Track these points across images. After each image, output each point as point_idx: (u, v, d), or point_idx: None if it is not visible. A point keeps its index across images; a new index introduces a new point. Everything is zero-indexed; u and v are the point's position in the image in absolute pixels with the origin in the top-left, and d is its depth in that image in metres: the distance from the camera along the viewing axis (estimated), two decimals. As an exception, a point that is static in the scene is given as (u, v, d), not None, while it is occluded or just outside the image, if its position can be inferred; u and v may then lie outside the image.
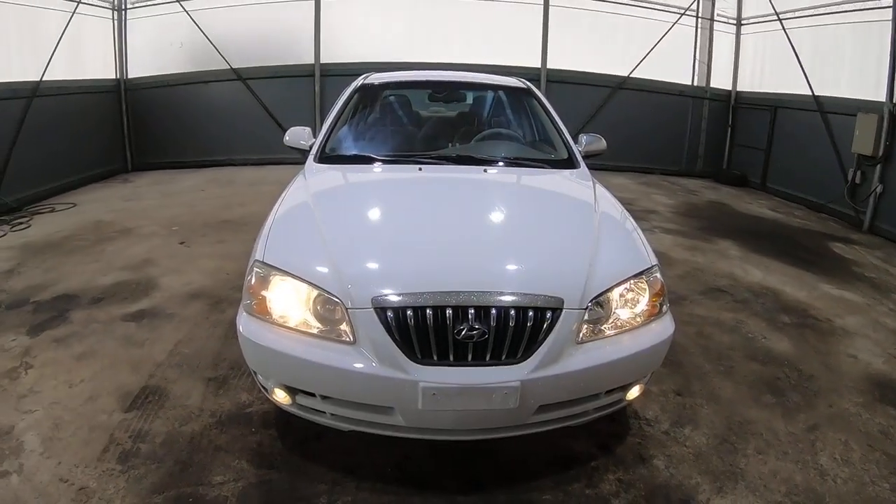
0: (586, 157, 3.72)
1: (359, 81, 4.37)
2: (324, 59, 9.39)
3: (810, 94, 8.01)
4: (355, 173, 3.43)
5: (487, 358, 2.09)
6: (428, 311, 2.06)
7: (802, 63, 8.14)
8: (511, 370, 2.08)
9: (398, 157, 3.55)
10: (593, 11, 9.60)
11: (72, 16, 7.89)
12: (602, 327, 2.27)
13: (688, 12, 9.79)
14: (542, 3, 9.46)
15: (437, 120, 4.63)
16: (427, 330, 2.06)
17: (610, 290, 2.27)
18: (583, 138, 3.93)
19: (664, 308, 2.46)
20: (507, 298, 2.11)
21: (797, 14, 8.20)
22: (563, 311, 2.13)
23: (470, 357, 2.08)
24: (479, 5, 9.39)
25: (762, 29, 9.25)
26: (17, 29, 7.27)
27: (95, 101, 8.64)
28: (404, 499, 2.35)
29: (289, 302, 2.25)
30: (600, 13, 9.62)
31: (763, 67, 9.47)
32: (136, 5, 9.02)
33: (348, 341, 2.13)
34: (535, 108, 4.27)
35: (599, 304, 2.25)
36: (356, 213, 2.82)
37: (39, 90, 7.48)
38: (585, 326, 2.21)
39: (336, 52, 9.41)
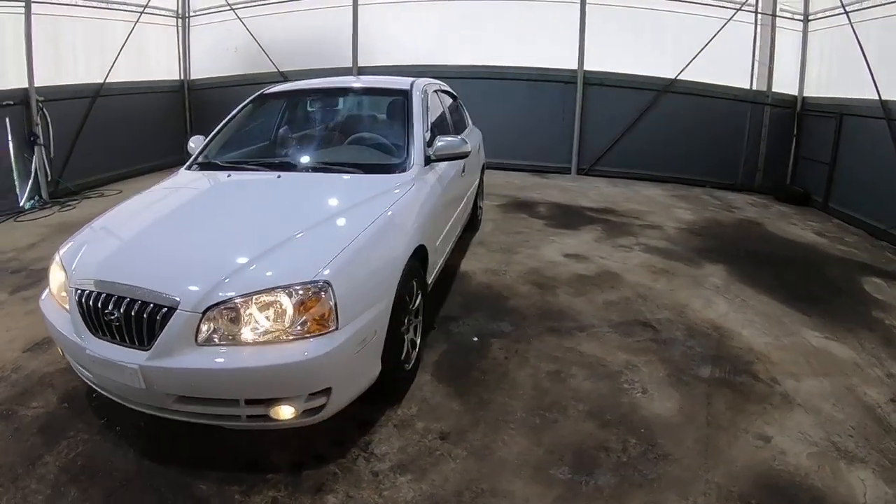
0: (446, 159, 3.63)
1: (257, 94, 4.47)
2: (361, 63, 9.34)
3: (877, 98, 6.46)
4: (184, 178, 3.63)
5: (127, 340, 2.31)
6: (91, 294, 2.41)
7: (869, 62, 6.58)
8: (131, 353, 2.28)
9: (244, 165, 3.69)
10: (636, 8, 8.50)
11: (135, 24, 8.57)
12: (238, 332, 2.23)
13: (745, 7, 8.36)
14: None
15: (316, 127, 4.50)
16: (92, 309, 2.40)
17: (244, 297, 2.23)
18: (436, 142, 3.61)
19: (334, 327, 2.28)
20: (139, 293, 2.30)
21: (865, 4, 6.65)
22: (177, 311, 2.23)
23: (118, 337, 2.34)
24: (514, 5, 8.74)
25: (831, 24, 7.61)
26: (84, 37, 8.01)
27: (160, 100, 9.35)
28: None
29: (56, 283, 2.71)
30: (644, 10, 8.48)
31: (831, 69, 7.79)
32: (198, 13, 9.61)
33: (67, 312, 2.55)
34: (407, 111, 3.91)
35: (231, 309, 2.23)
36: (134, 215, 3.09)
37: (103, 91, 8.22)
38: (207, 328, 2.23)
39: (374, 55, 9.31)
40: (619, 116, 8.65)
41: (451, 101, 5.39)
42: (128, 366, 2.23)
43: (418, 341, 3.26)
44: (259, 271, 2.33)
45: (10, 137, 7.00)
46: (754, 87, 8.62)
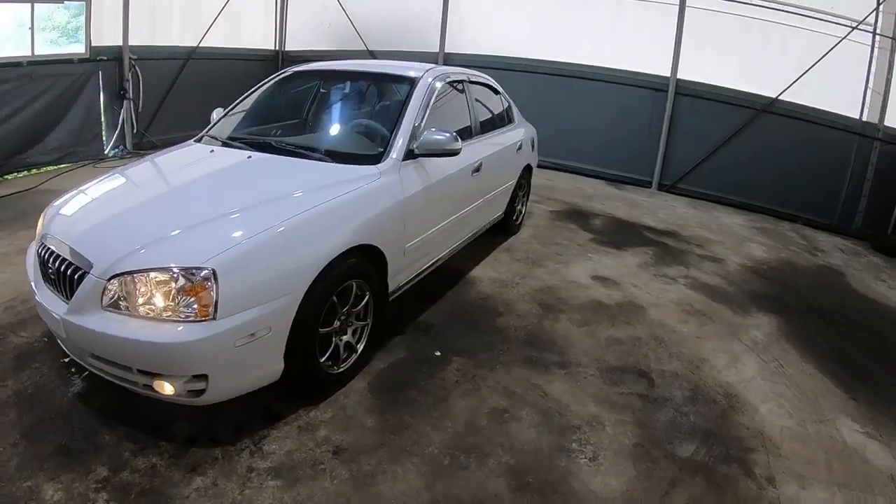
0: (434, 154, 3.39)
1: (276, 74, 4.46)
2: (448, 49, 9.03)
3: None
4: (179, 150, 3.67)
5: (60, 293, 2.52)
6: (42, 249, 2.69)
7: None
8: (60, 305, 2.45)
9: (234, 141, 3.66)
10: (740, 16, 7.36)
11: (231, -8, 8.89)
12: (135, 303, 2.28)
13: (861, 26, 6.92)
14: (678, 2, 7.60)
15: (315, 109, 4.29)
16: (42, 261, 2.67)
17: (141, 272, 2.27)
18: (425, 134, 3.36)
19: (212, 316, 2.23)
20: (70, 253, 2.50)
21: None
22: (88, 274, 2.37)
23: (56, 289, 2.55)
24: (610, 3, 7.95)
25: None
26: (181, 2, 8.44)
27: (253, 68, 9.67)
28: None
29: (37, 234, 2.95)
30: (748, 19, 7.33)
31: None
32: (298, -14, 9.82)
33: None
34: (406, 100, 3.63)
35: (130, 282, 2.29)
36: (115, 182, 3.25)
37: (195, 54, 8.65)
38: (110, 295, 2.31)
39: (461, 42, 8.95)
40: (709, 133, 7.61)
41: (490, 94, 5.02)
42: (54, 315, 2.43)
43: (361, 346, 3.06)
44: (163, 249, 2.36)
45: (101, 90, 7.55)
46: (864, 119, 7.15)
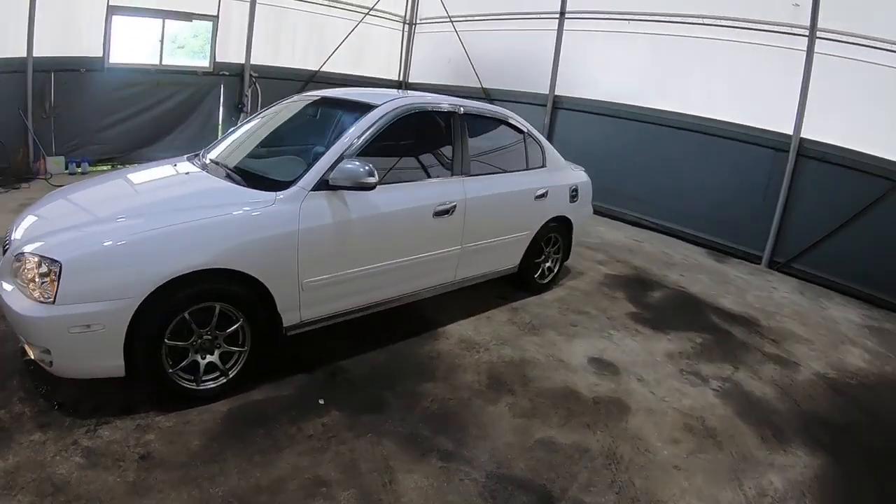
0: (345, 188, 3.13)
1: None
2: (559, 92, 8.44)
3: None
4: (155, 164, 3.96)
5: None
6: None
7: None
8: None
9: (202, 157, 3.83)
10: (879, 66, 5.53)
11: (357, 24, 9.38)
12: (22, 280, 2.60)
13: None
14: (806, 46, 6.00)
15: (278, 133, 4.11)
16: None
17: (28, 255, 2.60)
18: (340, 165, 3.14)
19: (51, 300, 2.49)
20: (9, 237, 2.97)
21: None
22: (6, 251, 2.83)
23: None
24: (726, 46, 6.63)
25: None
26: (306, 29, 9.15)
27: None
28: None
29: None
30: (889, 68, 5.47)
31: None
32: (423, 21, 9.97)
33: None
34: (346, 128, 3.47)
35: (21, 261, 2.63)
36: (90, 186, 3.57)
37: (316, 77, 9.24)
38: (14, 269, 2.65)
39: (572, 86, 8.29)
40: (836, 204, 5.84)
41: (505, 131, 4.45)
42: None
43: (233, 371, 2.98)
44: (49, 241, 2.67)
45: (221, 101, 8.30)
46: None
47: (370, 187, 3.13)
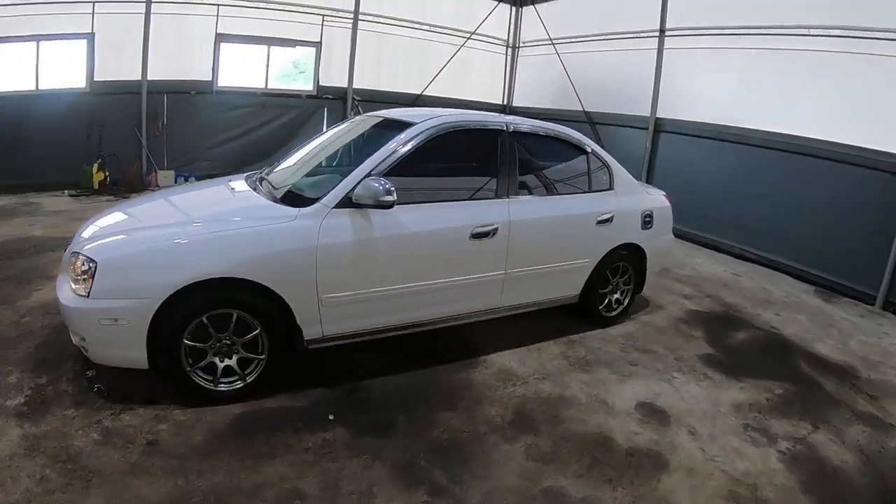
0: (367, 205, 3.10)
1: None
2: (661, 114, 7.88)
3: None
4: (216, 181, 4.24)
5: None
6: None
7: None
8: None
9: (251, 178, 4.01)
10: None
11: (459, 48, 9.51)
12: (73, 275, 2.93)
13: None
14: None
15: (330, 152, 4.17)
16: None
17: (78, 253, 2.91)
18: (363, 182, 3.12)
19: (86, 294, 2.77)
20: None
21: None
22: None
23: None
24: (841, 59, 5.65)
25: None
26: (407, 54, 9.48)
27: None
28: None
29: None
30: None
31: None
32: (526, 45, 9.83)
33: None
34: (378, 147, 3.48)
35: (75, 258, 2.93)
36: (155, 197, 3.96)
37: (419, 101, 9.49)
38: (69, 265, 2.97)
39: (675, 108, 7.70)
40: None
41: (566, 150, 4.18)
42: None
43: (251, 377, 3.08)
44: (96, 243, 2.96)
45: (325, 123, 8.82)
46: None
47: (388, 205, 3.08)
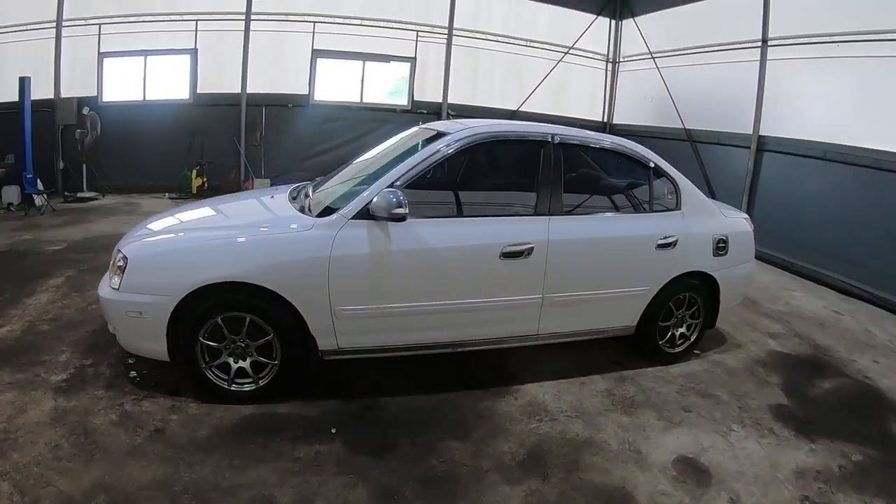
0: (382, 218, 2.97)
1: None
2: (764, 131, 6.94)
3: None
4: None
5: None
6: None
7: None
8: None
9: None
10: None
11: (556, 63, 9.18)
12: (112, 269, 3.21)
13: None
14: None
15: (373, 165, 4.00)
16: None
17: (119, 250, 3.13)
18: (380, 195, 2.98)
19: (117, 287, 2.95)
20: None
21: None
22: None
23: None
24: None
25: None
26: (502, 69, 9.28)
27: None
28: None
29: None
30: None
31: None
32: (626, 59, 9.23)
33: None
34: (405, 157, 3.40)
35: (116, 254, 3.16)
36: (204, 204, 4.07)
37: (515, 116, 9.20)
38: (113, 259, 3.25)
39: (780, 124, 6.74)
40: None
41: (626, 165, 3.79)
42: None
43: (264, 381, 3.08)
44: (134, 241, 3.16)
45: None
46: None
47: (400, 218, 2.95)
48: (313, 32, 7.98)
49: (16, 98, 6.76)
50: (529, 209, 3.37)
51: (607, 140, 3.79)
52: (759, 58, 6.95)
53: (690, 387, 3.58)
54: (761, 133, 7.03)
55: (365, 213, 3.00)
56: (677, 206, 3.76)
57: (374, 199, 2.97)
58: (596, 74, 9.94)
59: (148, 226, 3.45)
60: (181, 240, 3.15)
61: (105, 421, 2.79)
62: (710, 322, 4.00)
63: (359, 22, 8.09)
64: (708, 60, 7.87)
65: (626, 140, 3.85)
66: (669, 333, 3.86)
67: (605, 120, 10.11)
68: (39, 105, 7.07)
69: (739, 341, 4.33)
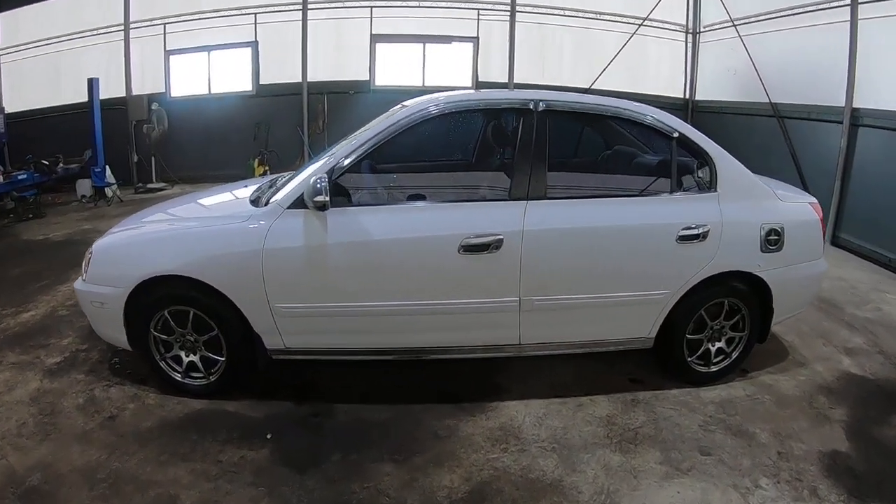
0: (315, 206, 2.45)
1: None
2: (858, 103, 5.28)
3: None
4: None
5: None
6: None
7: None
8: None
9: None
10: None
11: (631, 36, 7.89)
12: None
13: None
14: None
15: None
16: None
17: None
18: (309, 181, 2.45)
19: (83, 278, 2.81)
20: None
21: None
22: None
23: None
24: None
25: None
26: (572, 45, 8.11)
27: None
28: None
29: None
30: None
31: None
32: (707, 29, 7.65)
33: None
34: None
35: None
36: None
37: (589, 93, 8.00)
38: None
39: (877, 91, 5.08)
40: None
41: (645, 137, 2.97)
42: None
43: (213, 377, 2.73)
44: (108, 233, 2.99)
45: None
46: None
47: (319, 207, 2.42)
48: (371, 17, 7.46)
49: (94, 98, 6.96)
50: (502, 193, 2.61)
51: (613, 105, 2.82)
52: (848, 17, 5.29)
53: (721, 419, 2.63)
54: (855, 105, 5.38)
55: (301, 202, 2.50)
56: (711, 187, 2.75)
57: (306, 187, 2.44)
58: (674, 47, 8.36)
59: (132, 218, 3.20)
60: (138, 233, 2.88)
61: (72, 404, 2.69)
62: (761, 336, 2.94)
63: (417, 4, 7.44)
64: (793, 24, 6.17)
65: (641, 105, 2.88)
66: (703, 348, 2.88)
67: (688, 96, 8.51)
68: (114, 103, 7.23)
69: (804, 358, 3.20)
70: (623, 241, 2.63)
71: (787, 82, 6.42)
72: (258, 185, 3.19)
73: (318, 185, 2.36)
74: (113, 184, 6.91)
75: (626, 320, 2.76)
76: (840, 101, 5.49)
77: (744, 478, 2.24)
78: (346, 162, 2.52)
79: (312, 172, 2.52)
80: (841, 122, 5.50)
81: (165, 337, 2.70)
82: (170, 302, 2.63)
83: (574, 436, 2.48)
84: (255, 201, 2.78)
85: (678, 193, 2.74)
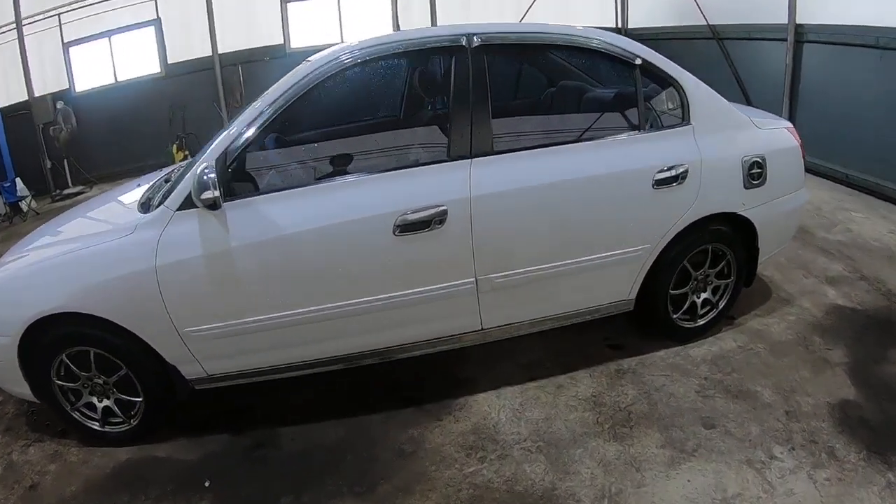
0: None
1: None
2: (802, 19, 4.95)
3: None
4: None
5: None
6: None
7: None
8: None
9: None
10: None
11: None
12: None
13: None
14: None
15: None
16: None
17: None
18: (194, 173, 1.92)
19: None
20: None
21: None
22: None
23: None
24: None
25: None
26: None
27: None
28: None
29: None
30: None
31: None
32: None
33: None
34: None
35: None
36: None
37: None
38: None
39: (823, 7, 4.72)
40: None
41: (603, 68, 2.47)
42: None
43: (134, 420, 2.22)
44: None
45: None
46: None
47: (210, 205, 1.86)
48: (278, -25, 6.61)
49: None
50: (440, 153, 2.10)
51: (559, 33, 2.30)
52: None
53: (717, 380, 2.30)
54: (799, 21, 5.03)
55: (186, 202, 1.95)
56: (685, 119, 2.32)
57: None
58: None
59: (27, 244, 2.45)
60: (18, 267, 2.19)
61: (-10, 477, 2.15)
62: (747, 280, 2.61)
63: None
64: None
65: (591, 29, 2.37)
66: (688, 302, 2.53)
67: (620, 25, 7.97)
68: (17, 109, 6.24)
69: (789, 295, 2.91)
70: (591, 195, 2.18)
71: (724, 2, 6.01)
72: (152, 182, 2.53)
73: (205, 178, 1.81)
74: (27, 196, 5.96)
75: (601, 285, 2.35)
76: (782, 19, 5.15)
77: (756, 449, 1.92)
78: (242, 140, 1.93)
79: (203, 160, 1.93)
80: (785, 40, 5.14)
81: (71, 384, 2.17)
82: (66, 343, 2.09)
83: (559, 427, 2.10)
84: (145, 205, 2.18)
85: (647, 132, 2.29)
